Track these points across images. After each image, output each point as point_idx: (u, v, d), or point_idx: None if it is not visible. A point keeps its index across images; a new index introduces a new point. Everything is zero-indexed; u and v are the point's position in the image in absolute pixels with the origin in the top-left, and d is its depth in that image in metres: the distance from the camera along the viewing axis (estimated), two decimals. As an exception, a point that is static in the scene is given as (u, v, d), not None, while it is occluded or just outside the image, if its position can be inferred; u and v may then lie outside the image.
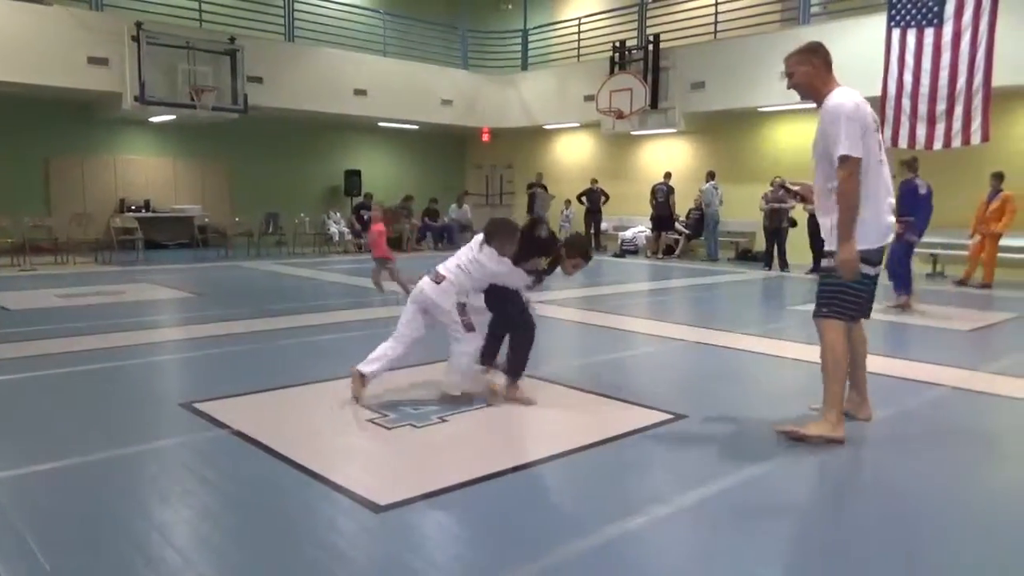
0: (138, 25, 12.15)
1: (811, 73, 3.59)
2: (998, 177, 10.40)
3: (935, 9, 10.32)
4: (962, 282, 10.51)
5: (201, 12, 13.49)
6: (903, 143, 10.76)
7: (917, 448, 3.61)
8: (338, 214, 15.55)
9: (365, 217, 15.51)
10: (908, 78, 10.53)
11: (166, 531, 2.61)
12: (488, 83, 17.31)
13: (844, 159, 3.39)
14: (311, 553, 2.43)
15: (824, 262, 3.67)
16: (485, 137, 17.94)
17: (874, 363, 5.29)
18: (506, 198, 19.16)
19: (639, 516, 2.72)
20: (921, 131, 10.55)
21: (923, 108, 10.47)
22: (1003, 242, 10.52)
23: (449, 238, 16.50)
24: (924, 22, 10.42)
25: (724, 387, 4.73)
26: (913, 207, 7.72)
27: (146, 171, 14.84)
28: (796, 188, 4.20)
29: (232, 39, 13.18)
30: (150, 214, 14.43)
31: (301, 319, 6.99)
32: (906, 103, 10.61)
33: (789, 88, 3.72)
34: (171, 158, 15.09)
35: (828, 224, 3.58)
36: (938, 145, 10.42)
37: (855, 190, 3.41)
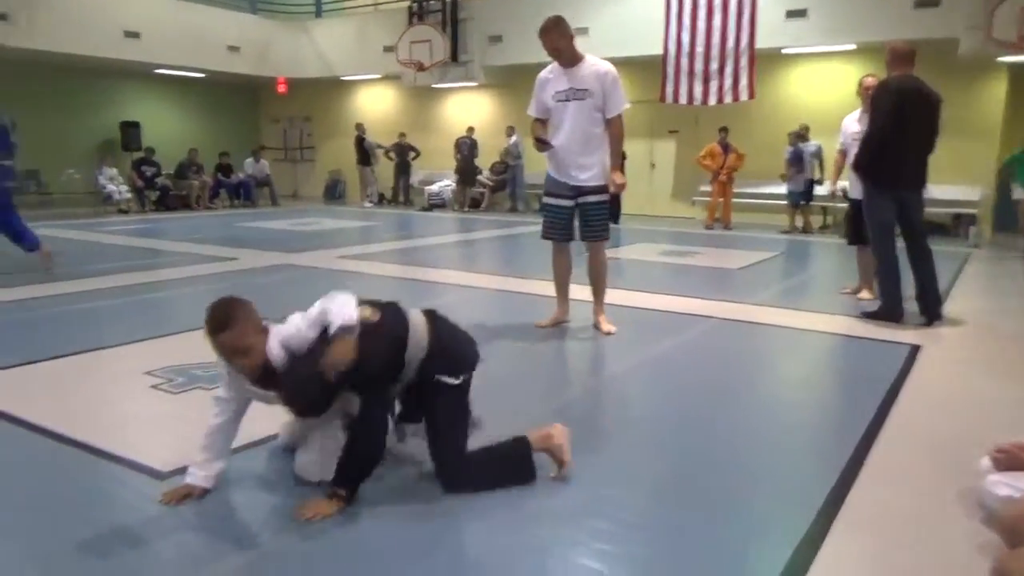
0: None
1: (572, 43, 4.56)
2: (724, 131, 11.70)
3: (708, -27, 11.14)
4: (709, 226, 11.64)
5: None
6: (683, 99, 11.62)
7: (688, 367, 3.99)
8: (114, 170, 14.01)
9: (148, 174, 14.26)
10: (685, 38, 11.31)
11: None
12: (280, 30, 16.32)
13: (622, 112, 4.47)
14: (83, 532, 2.23)
15: (594, 197, 4.56)
16: (281, 88, 16.94)
17: (656, 300, 5.76)
18: (307, 152, 18.36)
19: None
20: (697, 88, 11.45)
21: (699, 67, 11.35)
22: (763, 188, 11.83)
23: (246, 194, 15.56)
24: (698, -15, 11.23)
25: (507, 328, 4.91)
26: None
27: None
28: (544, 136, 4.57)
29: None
30: None
31: (70, 285, 6.29)
32: (684, 62, 11.43)
33: (552, 51, 4.58)
34: None
35: (592, 161, 4.49)
36: (712, 101, 11.39)
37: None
